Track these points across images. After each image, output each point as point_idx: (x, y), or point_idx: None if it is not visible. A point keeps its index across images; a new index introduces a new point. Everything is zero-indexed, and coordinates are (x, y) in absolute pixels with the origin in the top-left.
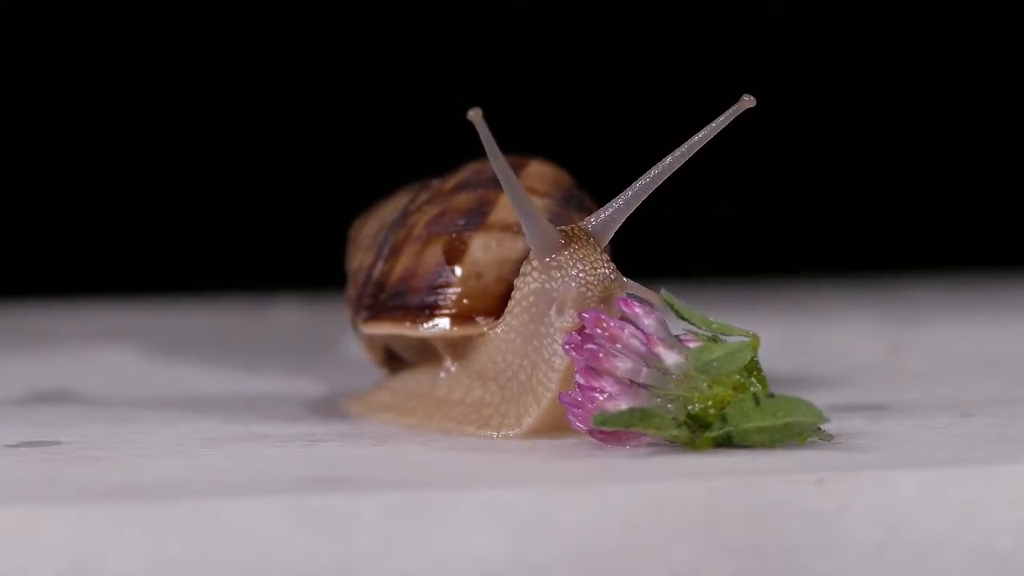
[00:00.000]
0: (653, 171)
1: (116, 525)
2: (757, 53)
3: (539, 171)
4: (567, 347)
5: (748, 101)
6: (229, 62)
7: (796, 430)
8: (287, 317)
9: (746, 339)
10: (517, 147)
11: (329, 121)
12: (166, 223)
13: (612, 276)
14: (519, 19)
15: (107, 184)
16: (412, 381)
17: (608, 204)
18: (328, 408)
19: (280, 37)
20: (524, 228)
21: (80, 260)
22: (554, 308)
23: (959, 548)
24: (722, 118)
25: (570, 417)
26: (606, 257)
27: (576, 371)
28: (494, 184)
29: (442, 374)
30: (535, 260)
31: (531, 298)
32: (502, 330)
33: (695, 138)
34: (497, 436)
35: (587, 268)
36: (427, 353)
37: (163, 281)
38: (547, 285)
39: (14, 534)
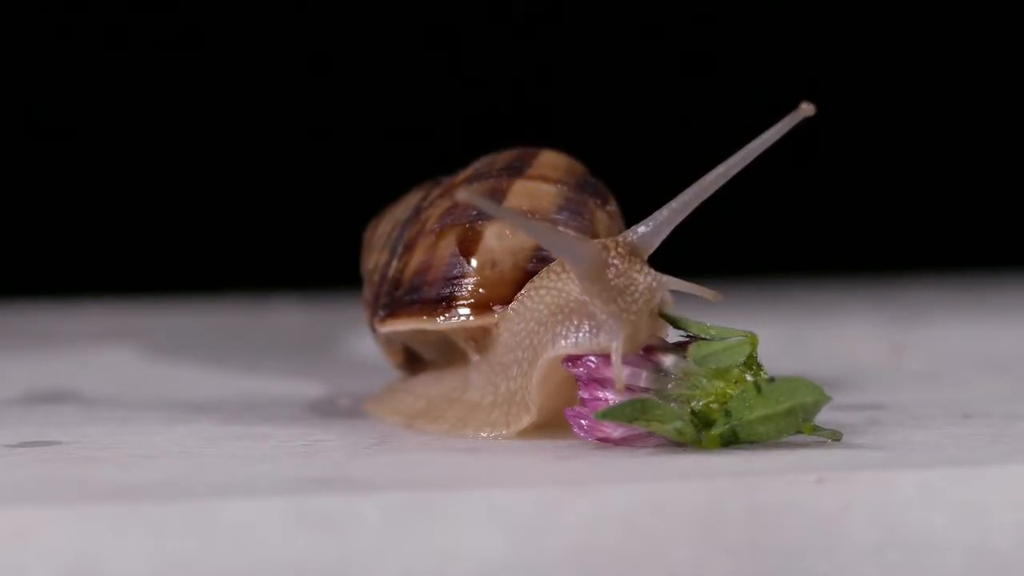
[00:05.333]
0: (705, 180)
1: (116, 525)
2: (757, 52)
3: (551, 160)
4: (567, 364)
5: (807, 109)
6: (231, 63)
7: (800, 416)
8: (287, 317)
9: (744, 340)
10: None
11: (329, 121)
12: (166, 223)
13: (653, 284)
14: (521, 19)
15: (107, 184)
16: (441, 385)
17: (654, 215)
18: (328, 408)
19: (280, 39)
20: (563, 258)
21: (80, 260)
22: (591, 326)
23: (958, 549)
24: (778, 127)
25: (575, 430)
26: (646, 268)
27: (579, 387)
28: (506, 173)
29: (472, 374)
30: (578, 281)
31: (572, 305)
32: (530, 302)
33: (747, 149)
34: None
35: (629, 297)
36: (449, 351)
37: (163, 281)
38: (590, 308)
39: (14, 534)
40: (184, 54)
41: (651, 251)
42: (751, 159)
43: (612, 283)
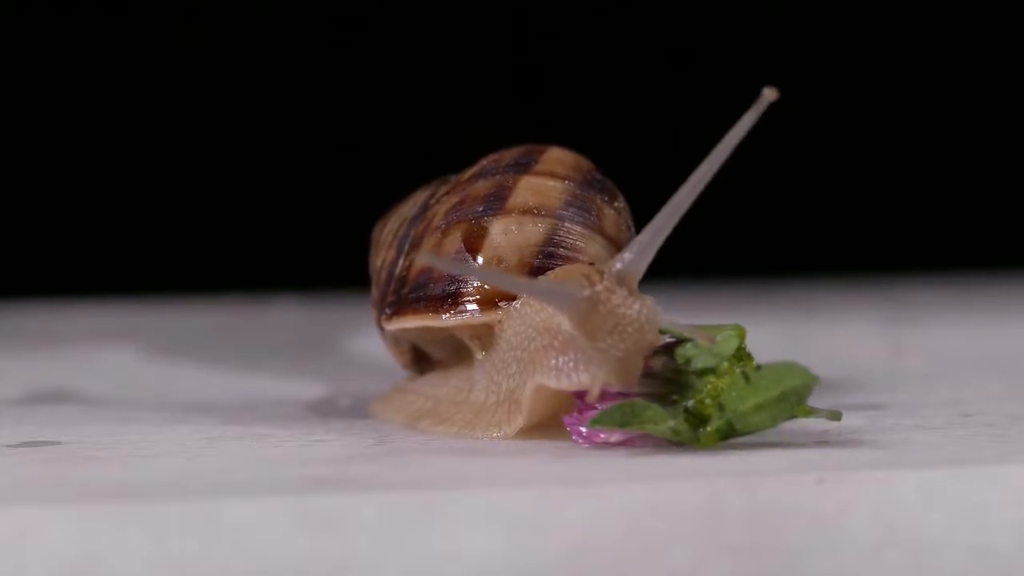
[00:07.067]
0: (681, 193)
1: (116, 525)
2: (757, 52)
3: (558, 156)
4: None
5: (770, 95)
6: (232, 63)
7: (793, 400)
8: (287, 317)
9: (731, 333)
10: (535, 138)
11: (329, 121)
12: (166, 223)
13: (645, 324)
14: (528, 16)
15: (107, 184)
16: (447, 386)
17: (636, 239)
18: (328, 408)
19: (281, 37)
20: (550, 307)
21: (80, 260)
22: (580, 363)
23: (959, 548)
24: (742, 124)
25: (574, 437)
26: (636, 298)
27: (575, 398)
28: (512, 170)
29: (476, 374)
30: (569, 323)
31: (563, 336)
32: (530, 309)
33: (715, 153)
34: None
35: (617, 336)
36: (456, 350)
37: (163, 281)
38: (582, 343)
39: (14, 534)
40: (185, 54)
41: (639, 277)
42: (722, 162)
43: (602, 322)
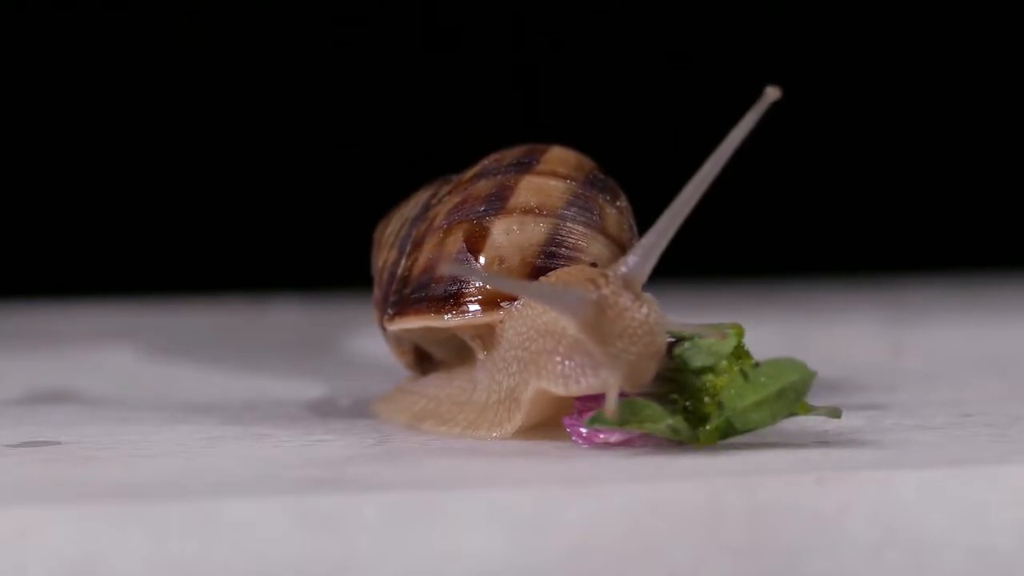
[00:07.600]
0: (683, 195)
1: (116, 525)
2: (758, 51)
3: (560, 155)
4: None
5: (773, 94)
6: (232, 63)
7: (791, 396)
8: (287, 317)
9: (729, 332)
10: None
11: (330, 122)
12: (166, 223)
13: (655, 327)
14: (530, 16)
15: (107, 184)
16: (450, 387)
17: (641, 242)
18: (328, 408)
19: (281, 37)
20: (558, 312)
21: (80, 260)
22: (586, 368)
23: (959, 548)
24: (744, 123)
25: (574, 438)
26: (643, 301)
27: (573, 399)
28: (513, 170)
29: (478, 373)
30: (572, 328)
31: (568, 340)
32: (531, 311)
33: (718, 153)
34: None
35: (628, 339)
36: (458, 350)
37: (163, 281)
38: (589, 347)
39: (14, 534)
40: (185, 54)
41: (644, 280)
42: (725, 162)
43: (611, 326)
